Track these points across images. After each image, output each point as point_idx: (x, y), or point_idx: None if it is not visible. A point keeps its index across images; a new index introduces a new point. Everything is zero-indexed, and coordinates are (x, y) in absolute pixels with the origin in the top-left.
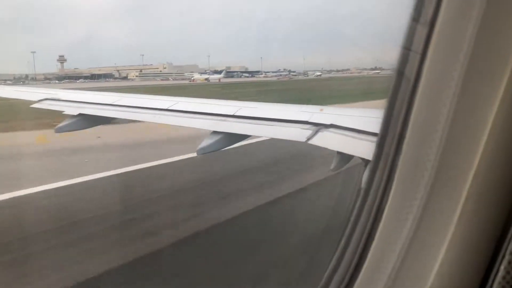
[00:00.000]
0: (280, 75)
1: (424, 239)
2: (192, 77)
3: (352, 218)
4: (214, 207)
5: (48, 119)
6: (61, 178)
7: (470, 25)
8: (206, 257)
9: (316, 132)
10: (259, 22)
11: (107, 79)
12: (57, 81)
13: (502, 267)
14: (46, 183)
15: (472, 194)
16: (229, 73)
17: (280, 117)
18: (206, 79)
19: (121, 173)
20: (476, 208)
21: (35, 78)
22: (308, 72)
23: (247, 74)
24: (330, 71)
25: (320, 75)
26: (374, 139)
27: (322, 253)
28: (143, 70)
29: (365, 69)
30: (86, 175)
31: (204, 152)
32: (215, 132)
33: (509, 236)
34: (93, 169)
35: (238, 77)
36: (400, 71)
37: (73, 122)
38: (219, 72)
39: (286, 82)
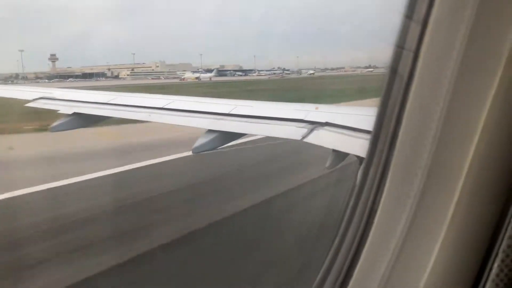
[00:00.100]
0: (274, 73)
1: (417, 237)
2: (183, 76)
3: (346, 217)
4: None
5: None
6: None
7: (463, 24)
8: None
9: (311, 130)
10: (255, 21)
11: (98, 78)
12: (46, 80)
13: (495, 265)
14: None
15: (465, 193)
16: (222, 72)
17: (275, 116)
18: (196, 78)
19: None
20: (469, 207)
21: (26, 77)
22: (302, 70)
23: (240, 73)
24: (324, 70)
25: (313, 73)
26: (369, 137)
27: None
28: (134, 69)
29: (359, 67)
30: None
31: (199, 151)
32: (210, 131)
33: (502, 234)
34: None
35: (231, 75)
36: (394, 70)
37: (68, 121)
38: (212, 71)
39: (276, 80)
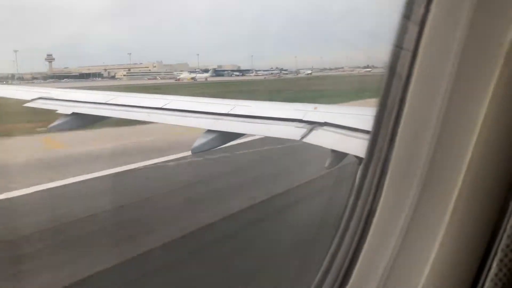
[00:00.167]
0: (272, 73)
1: (416, 237)
2: (178, 76)
3: (345, 217)
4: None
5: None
6: None
7: (461, 25)
8: None
9: (310, 130)
10: (253, 21)
11: (94, 79)
12: (42, 81)
13: (494, 265)
14: None
15: (464, 192)
16: (219, 72)
17: (274, 116)
18: (192, 78)
19: None
20: (468, 206)
21: (22, 77)
22: (300, 70)
23: (237, 73)
24: (323, 69)
25: (310, 73)
26: (368, 136)
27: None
28: (131, 69)
29: (358, 67)
30: None
31: (198, 151)
32: (209, 131)
33: (500, 233)
34: None
35: (228, 75)
36: (392, 70)
37: (66, 121)
38: (207, 71)
39: (270, 81)
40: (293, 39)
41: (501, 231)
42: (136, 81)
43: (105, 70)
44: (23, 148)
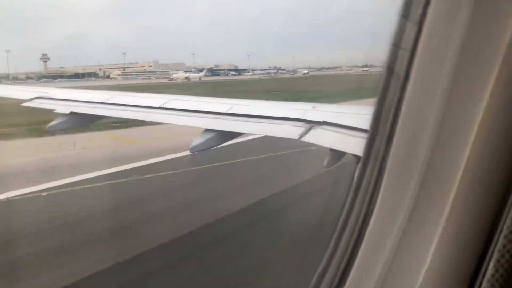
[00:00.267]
0: (269, 73)
1: (414, 237)
2: (172, 75)
3: (342, 217)
4: None
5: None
6: None
7: (458, 24)
8: None
9: (309, 130)
10: (251, 20)
11: (88, 78)
12: (34, 80)
13: (491, 265)
14: None
15: (461, 193)
16: (215, 71)
17: (273, 115)
18: (186, 77)
19: None
20: (465, 206)
21: (17, 77)
22: (298, 70)
23: (234, 72)
24: (320, 69)
25: (307, 73)
26: (366, 136)
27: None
28: (126, 69)
29: (357, 66)
30: None
31: (197, 150)
32: (207, 130)
33: (497, 233)
34: None
35: (225, 75)
36: (390, 69)
37: (65, 121)
38: (202, 71)
39: (265, 80)
40: (293, 39)
41: (498, 231)
42: (130, 81)
43: (100, 69)
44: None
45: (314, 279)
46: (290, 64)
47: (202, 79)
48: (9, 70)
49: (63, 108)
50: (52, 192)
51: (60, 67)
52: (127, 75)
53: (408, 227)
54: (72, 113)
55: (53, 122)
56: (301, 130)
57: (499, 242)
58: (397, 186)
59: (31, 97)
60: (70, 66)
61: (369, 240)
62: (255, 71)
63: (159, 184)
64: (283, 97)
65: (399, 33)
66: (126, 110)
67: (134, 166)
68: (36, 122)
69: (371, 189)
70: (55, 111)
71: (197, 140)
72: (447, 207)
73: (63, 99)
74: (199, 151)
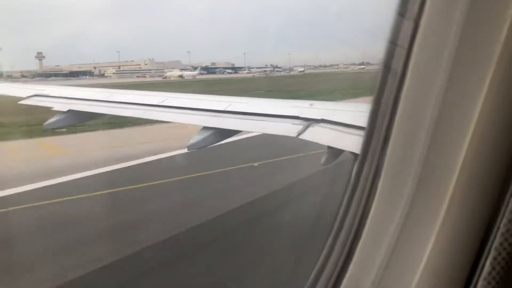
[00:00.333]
0: (265, 71)
1: (410, 235)
2: (165, 74)
3: (339, 216)
4: None
5: None
6: None
7: (455, 22)
8: None
9: (306, 127)
10: (249, 18)
11: (82, 77)
12: (26, 79)
13: (487, 263)
14: None
15: (458, 191)
16: (211, 69)
17: (270, 113)
18: (180, 76)
19: None
20: (462, 205)
21: (11, 75)
22: (294, 67)
23: (230, 70)
24: (317, 67)
25: (303, 70)
26: (363, 133)
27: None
28: (121, 67)
29: (354, 63)
30: None
31: (194, 147)
32: (205, 128)
33: (494, 231)
34: None
35: (220, 73)
36: (387, 67)
37: (63, 119)
38: (196, 69)
39: (258, 78)
40: (291, 37)
41: (495, 229)
42: (124, 79)
43: (95, 68)
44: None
45: (310, 278)
46: (288, 62)
47: (197, 77)
48: (3, 68)
49: (61, 106)
50: None
51: (56, 65)
52: (121, 73)
53: (404, 225)
54: (70, 111)
55: (51, 120)
56: (299, 128)
57: (496, 240)
58: (394, 184)
59: (29, 95)
60: (66, 64)
61: (366, 239)
62: (251, 69)
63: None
64: (261, 96)
65: (396, 31)
66: (125, 108)
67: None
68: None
69: (368, 187)
70: (53, 109)
71: (195, 138)
72: (444, 205)
73: (61, 96)
74: (197, 149)
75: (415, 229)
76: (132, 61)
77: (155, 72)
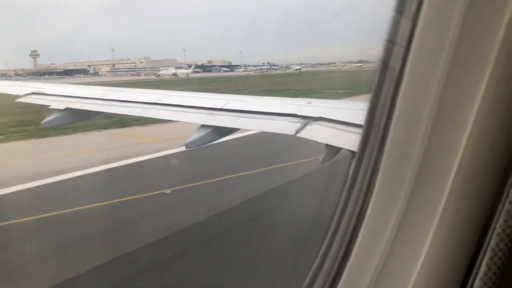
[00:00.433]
0: (261, 69)
1: (407, 235)
2: (159, 72)
3: (336, 216)
4: None
5: None
6: None
7: (453, 21)
8: None
9: (304, 125)
10: (247, 17)
11: (77, 75)
12: (20, 77)
13: (484, 263)
14: None
15: (455, 190)
16: (207, 67)
17: (268, 110)
18: (173, 74)
19: None
20: (459, 205)
21: (6, 74)
22: (291, 66)
23: (226, 69)
24: (315, 65)
25: (299, 69)
26: (361, 132)
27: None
28: (116, 65)
29: (351, 62)
30: None
31: (192, 146)
32: (203, 126)
33: (490, 232)
34: None
35: (216, 71)
36: (384, 65)
37: (60, 117)
38: (190, 67)
39: (253, 76)
40: (288, 36)
41: (491, 230)
42: (118, 78)
43: (89, 66)
44: None
45: (307, 279)
46: (285, 60)
47: (190, 75)
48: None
49: (58, 104)
50: None
51: (51, 64)
52: (116, 71)
53: (401, 225)
54: (67, 109)
55: (48, 118)
56: (297, 125)
57: (492, 240)
58: (391, 183)
59: (26, 93)
60: (61, 63)
61: (362, 240)
62: (247, 67)
63: None
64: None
65: (394, 29)
66: (123, 106)
67: None
68: None
69: (365, 186)
70: (50, 107)
71: (193, 136)
72: (441, 205)
73: (59, 94)
74: (196, 147)
75: (412, 229)
76: (128, 59)
77: (150, 70)
